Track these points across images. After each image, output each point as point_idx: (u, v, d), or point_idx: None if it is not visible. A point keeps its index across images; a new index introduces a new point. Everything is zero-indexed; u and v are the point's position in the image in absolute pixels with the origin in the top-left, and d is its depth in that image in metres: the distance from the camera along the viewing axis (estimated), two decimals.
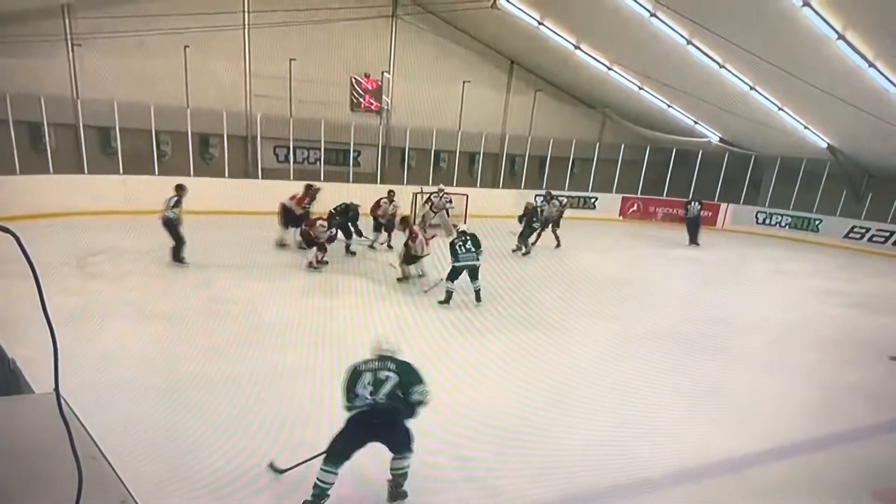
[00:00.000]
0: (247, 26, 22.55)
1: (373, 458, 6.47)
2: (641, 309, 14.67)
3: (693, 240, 24.10)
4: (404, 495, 6.48)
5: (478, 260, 13.80)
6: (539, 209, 20.97)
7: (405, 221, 16.27)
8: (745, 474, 7.43)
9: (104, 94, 20.28)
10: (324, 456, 6.32)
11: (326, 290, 14.13)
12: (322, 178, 24.05)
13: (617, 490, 7.00)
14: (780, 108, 23.27)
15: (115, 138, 20.85)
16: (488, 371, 10.09)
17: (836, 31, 16.78)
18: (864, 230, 26.00)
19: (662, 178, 29.89)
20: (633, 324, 13.53)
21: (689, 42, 20.28)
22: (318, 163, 24.68)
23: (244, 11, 22.33)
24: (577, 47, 24.32)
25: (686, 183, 29.31)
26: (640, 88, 26.22)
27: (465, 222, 16.80)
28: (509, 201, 25.72)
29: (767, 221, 28.25)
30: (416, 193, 22.81)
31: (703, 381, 10.40)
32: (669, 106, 27.03)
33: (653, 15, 19.24)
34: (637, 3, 18.89)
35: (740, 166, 28.75)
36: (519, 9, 22.38)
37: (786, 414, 9.44)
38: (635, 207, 30.16)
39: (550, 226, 21.19)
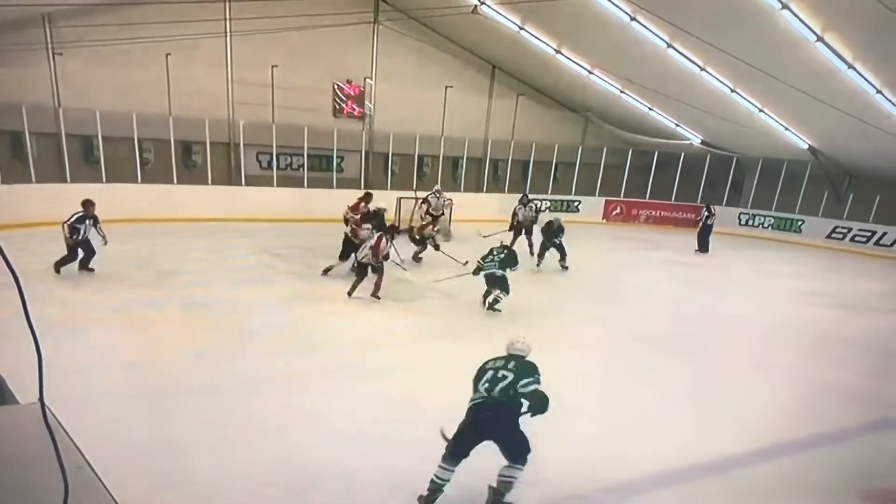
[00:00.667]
0: (229, 34, 22.50)
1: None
2: (627, 311, 14.73)
3: (703, 248, 23.83)
4: None
5: (498, 269, 13.85)
6: (515, 213, 20.64)
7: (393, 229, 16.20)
8: (732, 475, 7.46)
9: (86, 102, 20.16)
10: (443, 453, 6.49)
11: (310, 297, 14.09)
12: (306, 185, 24.09)
13: (605, 492, 7.02)
14: (760, 110, 23.43)
15: (97, 147, 20.75)
16: (470, 375, 10.09)
17: (815, 33, 16.91)
18: (846, 230, 26.20)
19: (645, 180, 30.01)
20: (618, 326, 13.60)
21: (669, 45, 20.39)
22: (301, 169, 24.64)
23: (226, 19, 22.28)
24: (558, 52, 24.40)
25: (668, 185, 29.46)
26: (622, 92, 26.33)
27: (449, 226, 16.89)
28: (493, 205, 25.78)
29: (750, 223, 28.44)
30: (400, 198, 22.82)
31: (689, 383, 10.47)
32: (651, 109, 27.15)
33: (633, 19, 19.32)
34: (617, 6, 18.96)
35: (722, 168, 28.93)
36: (500, 14, 22.41)
37: (772, 414, 9.50)
38: (618, 210, 30.26)
39: (524, 232, 20.50)
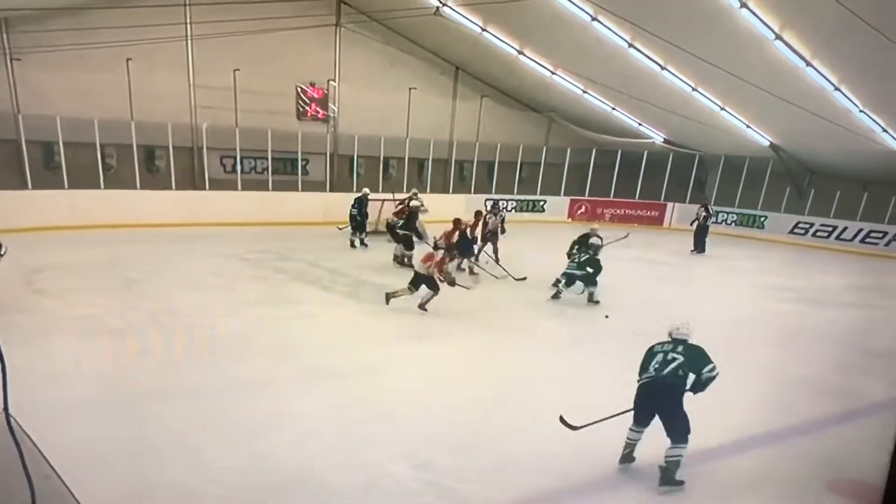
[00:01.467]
0: (189, 38, 22.33)
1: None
2: (595, 309, 14.77)
3: (700, 248, 23.73)
4: (675, 482, 7.11)
5: (577, 271, 15.08)
6: (486, 221, 19.45)
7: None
8: (701, 469, 7.51)
9: (46, 108, 19.90)
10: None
11: (278, 300, 14.02)
12: (270, 188, 23.97)
13: (577, 487, 7.07)
14: (722, 108, 23.68)
15: (58, 153, 20.47)
16: (440, 376, 10.12)
17: (774, 32, 17.11)
18: (808, 226, 26.53)
19: (609, 179, 30.19)
20: (587, 323, 13.73)
21: (630, 45, 20.53)
22: (265, 172, 24.51)
23: (186, 23, 22.10)
24: (520, 53, 24.50)
25: (632, 184, 29.67)
26: (584, 92, 26.48)
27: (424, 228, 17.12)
28: (460, 206, 25.84)
29: (714, 219, 28.72)
30: (369, 199, 22.70)
31: None
32: (614, 109, 27.35)
33: (594, 19, 19.45)
34: (578, 7, 19.06)
35: (685, 166, 29.16)
36: (462, 15, 22.47)
37: (740, 408, 9.57)
38: (583, 209, 30.40)
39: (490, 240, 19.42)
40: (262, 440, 7.58)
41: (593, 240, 16.17)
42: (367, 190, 20.92)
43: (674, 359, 7.26)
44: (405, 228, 18.39)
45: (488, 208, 21.14)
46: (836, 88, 19.11)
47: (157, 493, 6.45)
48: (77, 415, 7.85)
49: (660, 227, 29.08)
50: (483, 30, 23.33)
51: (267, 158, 24.32)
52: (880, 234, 25.08)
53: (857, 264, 23.22)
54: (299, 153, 24.86)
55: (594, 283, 15.09)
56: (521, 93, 29.56)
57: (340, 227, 21.11)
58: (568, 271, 15.21)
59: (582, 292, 15.26)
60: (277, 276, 15.96)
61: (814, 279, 19.95)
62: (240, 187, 23.77)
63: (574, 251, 16.10)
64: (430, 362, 10.79)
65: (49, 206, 19.69)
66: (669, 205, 29.88)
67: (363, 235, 20.62)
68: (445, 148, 28.85)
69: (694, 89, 22.60)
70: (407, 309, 13.72)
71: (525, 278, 16.88)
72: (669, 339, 7.60)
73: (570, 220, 30.39)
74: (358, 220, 20.45)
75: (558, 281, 15.32)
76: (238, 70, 22.71)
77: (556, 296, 15.32)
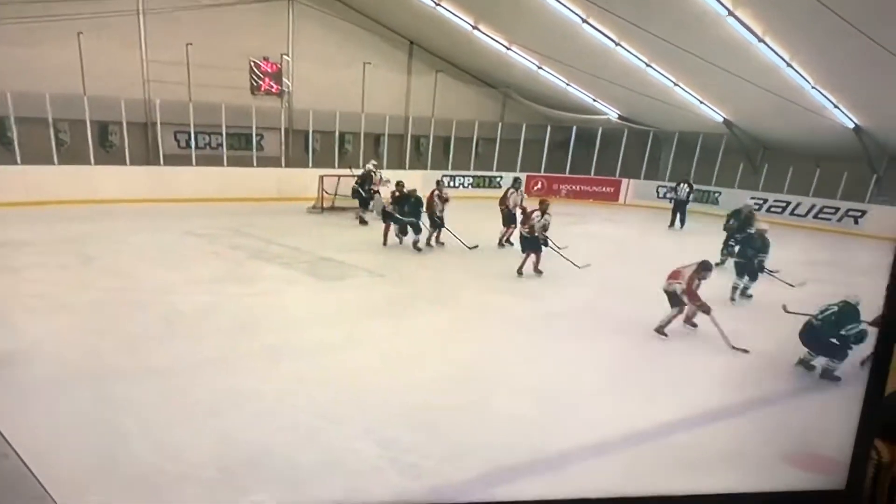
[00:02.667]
0: (141, 12, 22.03)
1: None
2: (553, 286, 14.87)
3: (676, 222, 23.89)
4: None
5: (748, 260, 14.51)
6: (506, 197, 18.88)
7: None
8: (662, 444, 7.64)
9: None
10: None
11: (235, 277, 13.99)
12: (225, 163, 23.83)
13: (540, 463, 7.15)
14: (675, 84, 23.85)
15: (10, 128, 20.15)
16: (402, 353, 10.16)
17: (727, 8, 17.29)
18: (762, 201, 26.82)
19: (565, 155, 30.36)
20: (543, 300, 13.79)
21: (584, 21, 20.62)
22: (220, 148, 24.35)
23: None
24: (475, 27, 24.49)
25: (588, 160, 29.84)
26: (539, 68, 26.55)
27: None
28: (417, 181, 25.82)
29: (669, 195, 28.97)
30: (323, 176, 22.63)
31: (618, 354, 10.66)
32: (568, 85, 27.44)
33: None
34: None
35: (639, 142, 29.37)
36: None
37: (701, 383, 9.73)
38: (540, 185, 30.49)
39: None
40: (224, 418, 7.57)
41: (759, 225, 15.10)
42: (371, 165, 21.29)
43: (832, 306, 9.45)
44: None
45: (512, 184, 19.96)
46: (789, 65, 19.37)
47: (117, 470, 6.43)
48: (35, 393, 7.81)
49: (615, 202, 29.31)
50: (437, 4, 23.31)
51: (221, 134, 24.15)
52: (833, 210, 25.46)
53: (813, 239, 23.58)
54: (254, 128, 24.72)
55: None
56: (477, 69, 29.56)
57: (313, 207, 21.20)
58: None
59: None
60: (235, 253, 15.89)
61: (769, 254, 20.24)
62: (194, 163, 23.59)
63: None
64: (392, 339, 10.82)
65: (2, 181, 19.36)
66: (625, 181, 30.09)
67: (366, 212, 20.68)
68: (402, 123, 28.84)
69: (647, 65, 22.77)
70: (368, 287, 13.78)
71: (477, 246, 17.15)
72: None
73: (526, 195, 30.43)
74: (362, 197, 20.58)
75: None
76: (190, 44, 22.44)
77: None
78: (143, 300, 11.88)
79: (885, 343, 2.71)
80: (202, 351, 9.67)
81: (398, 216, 17.04)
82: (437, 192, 17.82)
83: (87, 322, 10.74)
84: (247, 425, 7.33)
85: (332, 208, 21.83)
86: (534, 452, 7.27)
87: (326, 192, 21.88)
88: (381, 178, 20.71)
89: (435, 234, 17.82)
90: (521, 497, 6.98)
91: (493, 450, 7.20)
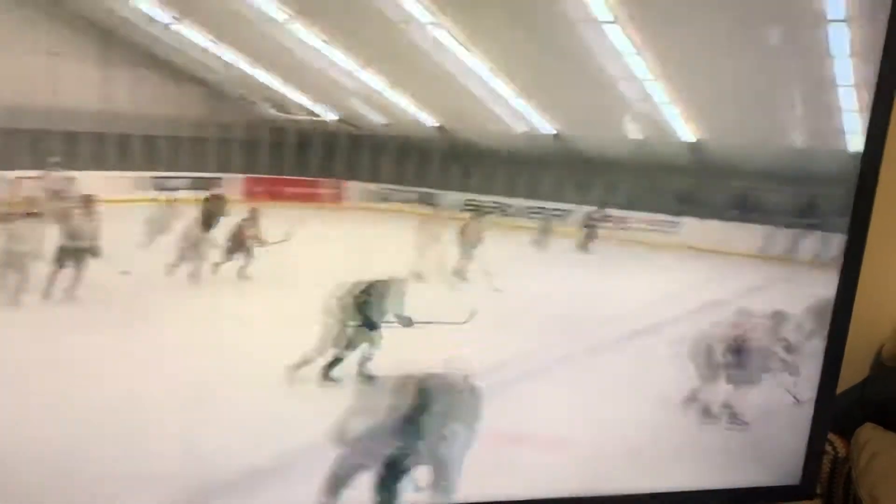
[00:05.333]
0: None
1: None
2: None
3: None
4: None
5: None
6: None
7: None
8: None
9: None
10: None
11: None
12: None
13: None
14: (391, 88, 23.96)
15: None
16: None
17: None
18: (479, 204, 27.57)
19: (285, 157, 30.02)
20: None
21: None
22: None
23: None
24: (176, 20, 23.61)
25: (309, 162, 29.65)
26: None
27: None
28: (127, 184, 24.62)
29: (390, 198, 29.27)
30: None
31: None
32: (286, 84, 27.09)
33: None
34: None
35: (360, 145, 29.49)
36: None
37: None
38: (261, 188, 29.95)
39: None
40: None
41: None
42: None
43: None
44: None
45: None
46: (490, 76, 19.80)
47: None
48: None
49: (339, 203, 29.30)
50: None
51: None
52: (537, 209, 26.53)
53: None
54: None
55: None
56: (180, 64, 28.66)
57: None
58: None
59: None
60: None
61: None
62: None
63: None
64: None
65: None
66: (347, 183, 30.14)
67: None
68: (100, 119, 27.40)
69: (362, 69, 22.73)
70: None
71: None
72: None
73: (245, 198, 29.95)
74: None
75: None
76: None
77: None
78: None
79: (836, 342, 3.15)
80: None
81: None
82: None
83: None
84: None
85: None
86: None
87: None
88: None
89: None
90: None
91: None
